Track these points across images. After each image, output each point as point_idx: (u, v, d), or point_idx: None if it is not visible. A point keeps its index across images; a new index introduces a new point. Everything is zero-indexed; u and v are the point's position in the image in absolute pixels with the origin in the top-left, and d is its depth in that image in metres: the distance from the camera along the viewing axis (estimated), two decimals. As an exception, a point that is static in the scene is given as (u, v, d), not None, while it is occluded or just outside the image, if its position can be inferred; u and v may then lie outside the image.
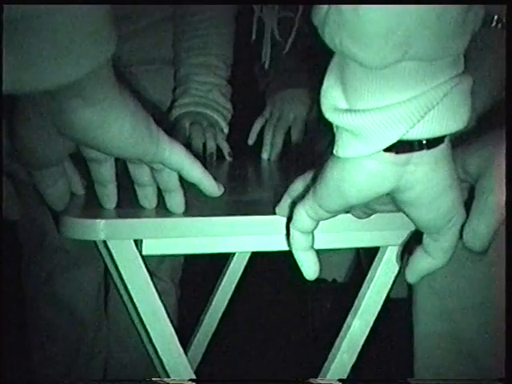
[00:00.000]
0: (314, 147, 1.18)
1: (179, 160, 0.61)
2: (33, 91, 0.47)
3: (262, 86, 1.30)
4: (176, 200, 0.63)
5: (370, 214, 0.60)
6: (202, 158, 1.18)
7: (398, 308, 1.29)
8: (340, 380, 0.73)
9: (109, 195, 0.64)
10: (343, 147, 0.49)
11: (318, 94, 0.50)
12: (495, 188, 0.53)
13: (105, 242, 0.65)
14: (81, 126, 0.54)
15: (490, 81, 0.70)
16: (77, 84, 0.48)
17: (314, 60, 1.21)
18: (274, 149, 1.21)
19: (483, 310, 0.86)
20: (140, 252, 0.63)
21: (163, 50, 1.30)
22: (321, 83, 0.50)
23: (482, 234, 0.53)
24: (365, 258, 1.54)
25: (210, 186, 0.63)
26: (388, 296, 0.71)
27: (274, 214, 0.62)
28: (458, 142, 0.54)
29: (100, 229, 0.60)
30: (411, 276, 0.57)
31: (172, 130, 1.22)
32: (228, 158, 1.20)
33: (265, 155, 1.22)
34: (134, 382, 1.36)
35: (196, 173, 0.62)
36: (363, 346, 0.72)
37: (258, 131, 1.25)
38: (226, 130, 1.24)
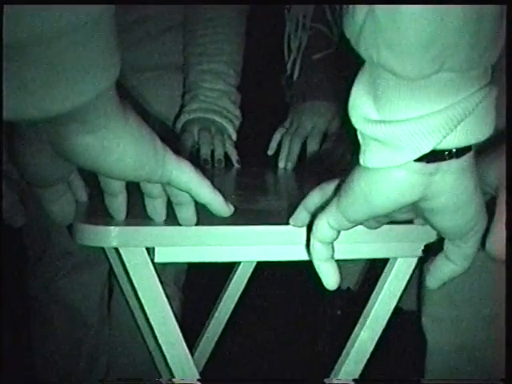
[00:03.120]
0: (329, 158, 1.18)
1: (187, 181, 0.59)
2: (32, 119, 0.45)
3: (287, 98, 1.31)
4: (188, 213, 0.62)
5: (382, 224, 0.61)
6: (210, 164, 1.18)
7: (409, 320, 1.29)
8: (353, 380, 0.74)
9: (119, 206, 0.62)
10: (371, 157, 0.50)
11: (346, 104, 0.50)
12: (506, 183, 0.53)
13: (116, 249, 0.65)
14: (81, 152, 0.53)
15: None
16: (77, 110, 0.46)
17: (337, 73, 1.23)
18: (290, 158, 1.21)
19: (494, 318, 0.86)
20: (152, 260, 0.64)
21: (173, 56, 1.30)
22: (348, 94, 0.50)
23: (501, 242, 0.53)
24: (381, 268, 1.54)
25: (220, 206, 0.61)
26: (401, 308, 0.71)
27: (287, 223, 0.63)
28: (476, 152, 0.54)
29: (113, 236, 0.60)
30: (433, 282, 0.58)
31: (180, 135, 1.22)
32: (236, 165, 1.20)
33: (281, 164, 1.22)
34: (143, 382, 1.36)
35: (205, 193, 0.60)
36: (373, 356, 0.72)
37: (278, 141, 1.25)
38: (234, 137, 1.24)
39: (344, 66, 1.23)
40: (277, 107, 1.35)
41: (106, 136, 0.52)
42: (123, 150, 0.53)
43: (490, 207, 0.55)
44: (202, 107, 1.23)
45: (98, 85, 0.46)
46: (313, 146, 1.21)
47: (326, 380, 0.75)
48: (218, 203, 0.61)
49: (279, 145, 1.25)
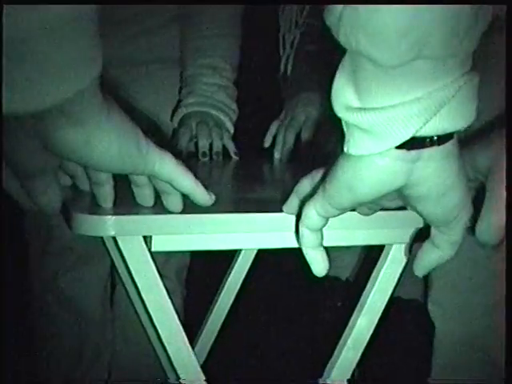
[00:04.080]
0: (322, 148, 1.20)
1: (169, 172, 0.60)
2: (17, 114, 0.47)
3: (283, 94, 1.33)
4: (174, 201, 0.63)
5: (376, 211, 0.61)
6: (208, 156, 1.19)
7: (410, 309, 1.30)
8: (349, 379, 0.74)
9: (105, 195, 0.63)
10: (355, 145, 0.50)
11: (329, 93, 0.51)
12: (505, 182, 0.54)
13: (114, 239, 0.66)
14: (66, 146, 0.54)
15: (495, 80, 0.71)
16: (60, 105, 0.48)
17: (326, 64, 1.24)
18: (284, 149, 1.23)
19: (498, 306, 0.87)
20: (149, 248, 0.64)
21: (170, 51, 1.31)
22: (331, 83, 0.50)
23: (495, 228, 0.54)
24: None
25: (201, 196, 0.63)
26: (399, 297, 0.72)
27: (281, 211, 0.63)
28: (465, 141, 0.55)
29: (109, 225, 0.61)
30: (420, 269, 0.58)
31: (178, 129, 1.23)
32: (234, 157, 1.21)
33: (277, 155, 1.24)
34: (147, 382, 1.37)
35: (186, 184, 0.61)
36: (373, 345, 0.73)
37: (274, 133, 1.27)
38: (231, 130, 1.25)
39: (337, 58, 1.25)
40: (274, 101, 1.36)
41: (89, 130, 0.53)
42: (106, 143, 0.55)
43: (480, 195, 0.56)
44: (199, 101, 1.24)
45: (82, 80, 0.48)
46: (306, 137, 1.22)
47: (319, 380, 0.76)
48: (199, 193, 0.62)
49: (275, 137, 1.26)
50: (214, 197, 0.64)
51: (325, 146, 1.20)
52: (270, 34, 1.35)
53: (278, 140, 1.25)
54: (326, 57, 1.26)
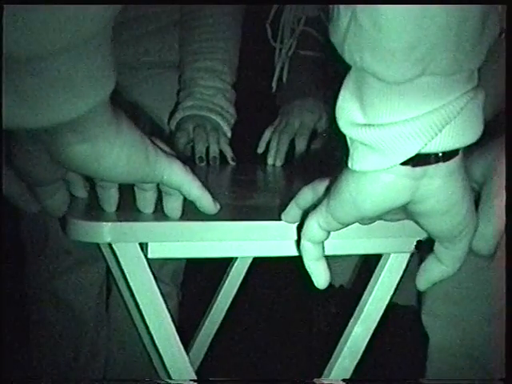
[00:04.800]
0: (318, 155, 1.20)
1: (178, 181, 0.61)
2: (29, 128, 0.47)
3: (277, 101, 1.34)
4: (174, 205, 0.64)
5: (375, 221, 0.61)
6: (205, 161, 1.19)
7: (406, 315, 1.30)
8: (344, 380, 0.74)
9: (110, 198, 0.64)
10: (359, 161, 0.50)
11: (333, 108, 0.50)
12: (500, 192, 0.54)
13: (109, 245, 0.65)
14: (75, 159, 0.54)
15: (492, 89, 0.71)
16: (73, 121, 0.48)
17: (323, 71, 1.24)
18: (278, 154, 1.23)
19: (493, 316, 0.87)
20: (145, 255, 0.64)
21: (169, 54, 1.31)
22: (335, 98, 0.50)
23: (488, 238, 0.54)
24: (374, 265, 1.54)
25: (208, 204, 0.63)
26: (396, 303, 0.72)
27: (278, 219, 0.63)
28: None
29: (106, 232, 0.61)
30: (422, 283, 0.58)
31: (175, 132, 1.22)
32: (231, 163, 1.20)
33: (270, 160, 1.24)
34: (137, 383, 1.36)
35: (194, 192, 0.62)
36: (369, 351, 0.73)
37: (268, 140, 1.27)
38: (228, 135, 1.24)
39: (332, 65, 1.26)
40: (271, 105, 1.36)
41: (99, 144, 0.54)
42: (116, 156, 0.55)
43: (477, 205, 0.55)
44: (197, 105, 1.23)
45: (95, 97, 0.48)
46: (301, 143, 1.22)
47: (315, 380, 0.76)
48: (206, 201, 0.63)
49: (269, 142, 1.26)
50: (218, 206, 0.64)
51: (322, 153, 1.20)
52: (267, 41, 1.35)
53: (272, 146, 1.24)
54: (321, 64, 1.27)
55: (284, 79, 1.32)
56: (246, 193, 0.86)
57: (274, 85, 1.33)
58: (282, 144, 1.23)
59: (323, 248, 0.57)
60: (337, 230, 0.56)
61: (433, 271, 0.57)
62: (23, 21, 0.39)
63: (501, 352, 0.60)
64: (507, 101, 0.52)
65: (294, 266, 0.60)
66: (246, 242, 0.65)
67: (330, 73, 1.24)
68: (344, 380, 0.74)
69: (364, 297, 0.72)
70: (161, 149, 0.60)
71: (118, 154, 0.55)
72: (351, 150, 0.51)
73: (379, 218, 0.58)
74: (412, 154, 0.48)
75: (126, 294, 1.08)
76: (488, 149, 0.56)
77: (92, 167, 0.55)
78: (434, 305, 0.97)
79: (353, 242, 0.66)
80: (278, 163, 1.23)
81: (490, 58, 0.56)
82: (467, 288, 0.92)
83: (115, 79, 0.50)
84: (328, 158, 1.17)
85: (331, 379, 0.74)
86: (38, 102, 0.45)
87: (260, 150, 1.26)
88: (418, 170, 0.49)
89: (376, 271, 0.71)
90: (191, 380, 0.71)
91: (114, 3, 0.44)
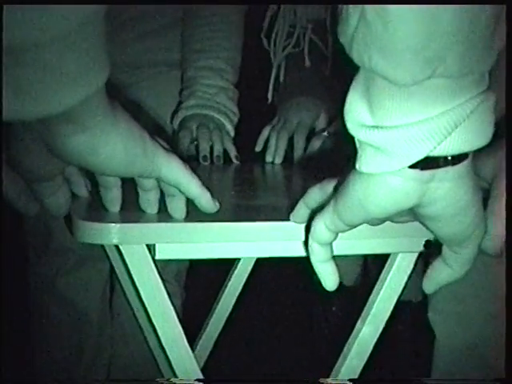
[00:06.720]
0: (319, 153, 1.19)
1: (176, 176, 0.61)
2: (25, 119, 0.47)
3: (276, 99, 1.34)
4: (178, 205, 0.63)
5: (383, 222, 0.61)
6: (209, 160, 1.18)
7: (411, 311, 1.30)
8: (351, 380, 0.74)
9: (113, 199, 0.64)
10: (367, 163, 0.49)
11: (341, 109, 0.50)
12: (506, 184, 0.53)
13: (116, 246, 0.65)
14: (72, 151, 0.54)
15: (500, 89, 0.71)
16: (68, 111, 0.48)
17: (322, 69, 1.24)
18: (277, 152, 1.22)
19: (499, 314, 0.86)
20: (152, 257, 0.64)
21: (172, 53, 1.31)
22: (343, 99, 0.50)
23: (496, 237, 0.53)
24: (372, 264, 1.55)
25: (207, 202, 0.63)
26: (399, 299, 0.72)
27: (287, 219, 0.63)
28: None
29: (113, 233, 0.60)
30: (429, 286, 0.58)
31: (178, 131, 1.22)
32: (235, 161, 1.20)
33: (268, 158, 1.23)
34: (144, 383, 1.36)
35: (193, 189, 0.62)
36: (375, 348, 0.72)
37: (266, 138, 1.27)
38: (232, 133, 1.24)
39: (331, 65, 1.26)
40: (272, 104, 1.36)
41: (95, 135, 0.54)
42: (112, 148, 0.55)
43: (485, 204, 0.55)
44: (199, 103, 1.23)
45: (90, 87, 0.48)
46: (299, 141, 1.22)
47: (321, 380, 0.75)
48: (204, 199, 0.63)
49: (267, 141, 1.26)
50: (218, 204, 0.64)
51: (319, 151, 1.19)
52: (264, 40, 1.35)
53: (271, 143, 1.24)
54: (319, 62, 1.27)
55: (281, 79, 1.32)
56: (252, 192, 0.86)
57: (270, 87, 1.33)
58: (280, 142, 1.22)
59: (331, 249, 0.56)
60: (344, 231, 0.55)
61: (440, 274, 0.56)
62: (12, 11, 0.39)
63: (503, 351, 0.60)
64: (507, 101, 0.52)
65: (297, 265, 0.59)
66: (254, 242, 0.65)
67: (329, 71, 1.25)
68: (351, 380, 0.74)
69: (372, 296, 0.72)
70: (160, 145, 0.60)
71: (114, 145, 0.55)
72: (359, 152, 0.50)
73: (387, 219, 0.58)
74: (421, 157, 0.47)
75: (131, 294, 1.08)
76: (496, 148, 0.56)
77: (89, 159, 0.55)
78: (441, 302, 0.97)
79: (361, 242, 0.66)
80: (277, 161, 1.22)
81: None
82: (474, 286, 0.92)
83: (109, 70, 0.49)
84: (329, 156, 1.17)
85: (338, 379, 0.74)
86: (31, 93, 0.45)
87: (258, 149, 1.26)
88: (427, 173, 0.49)
89: (384, 271, 0.71)
90: (196, 380, 0.71)
91: (114, 3, 0.44)
